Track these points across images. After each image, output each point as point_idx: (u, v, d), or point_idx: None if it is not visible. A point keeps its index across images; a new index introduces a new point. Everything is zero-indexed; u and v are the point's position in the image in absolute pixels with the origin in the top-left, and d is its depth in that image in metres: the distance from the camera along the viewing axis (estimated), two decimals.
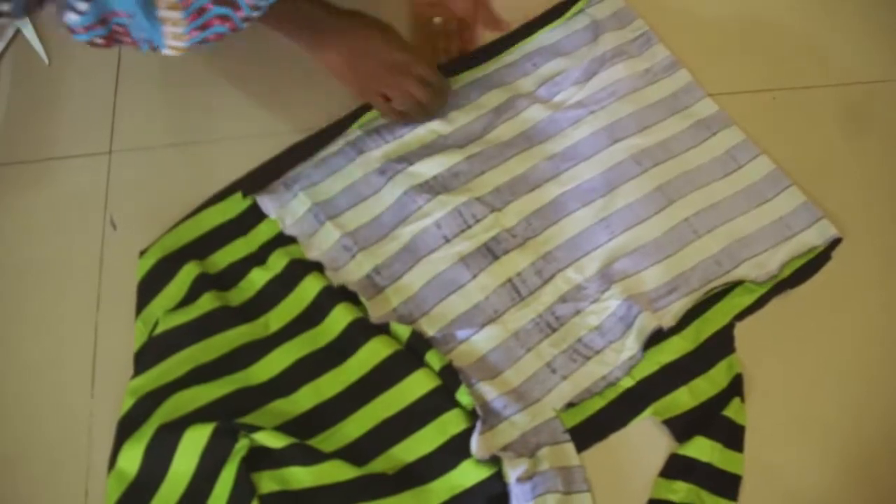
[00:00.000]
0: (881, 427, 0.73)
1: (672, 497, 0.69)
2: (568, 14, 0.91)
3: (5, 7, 0.55)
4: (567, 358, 0.73)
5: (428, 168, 0.80)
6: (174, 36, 0.57)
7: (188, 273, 0.75)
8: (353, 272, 0.76)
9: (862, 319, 0.78)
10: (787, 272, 0.78)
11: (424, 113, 0.81)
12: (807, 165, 0.84)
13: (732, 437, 0.71)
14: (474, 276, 0.76)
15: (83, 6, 0.53)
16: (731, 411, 0.71)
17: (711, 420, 0.71)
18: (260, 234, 0.78)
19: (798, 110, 0.88)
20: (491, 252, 0.77)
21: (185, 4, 0.55)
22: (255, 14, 0.58)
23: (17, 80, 0.88)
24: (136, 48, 0.59)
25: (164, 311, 0.73)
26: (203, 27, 0.57)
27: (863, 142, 0.87)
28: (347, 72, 0.77)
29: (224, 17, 0.57)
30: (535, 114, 0.85)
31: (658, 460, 0.71)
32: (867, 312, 0.78)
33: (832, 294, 0.78)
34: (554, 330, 0.75)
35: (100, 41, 0.58)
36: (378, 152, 0.82)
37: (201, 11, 0.56)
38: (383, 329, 0.73)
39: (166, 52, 0.59)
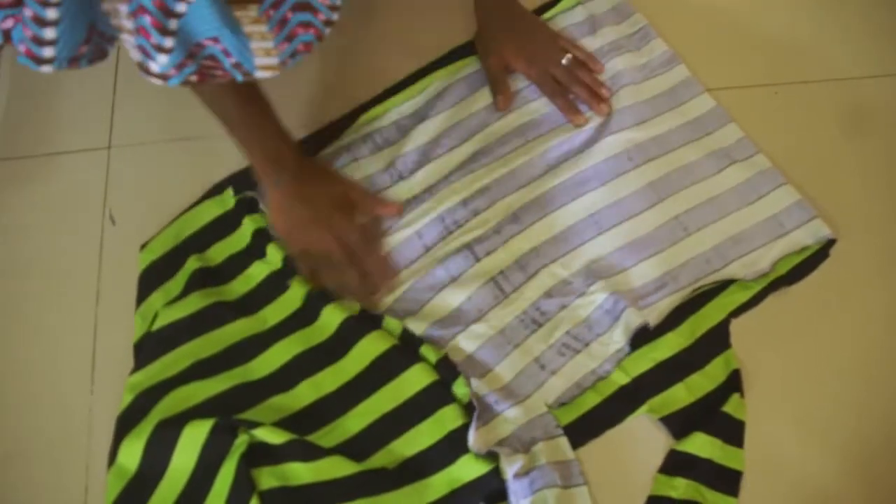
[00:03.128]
0: (881, 422, 0.73)
1: (672, 493, 0.69)
2: (559, 7, 0.91)
3: (47, 52, 0.53)
4: (555, 353, 0.73)
5: (422, 178, 0.80)
6: (264, 52, 0.55)
7: (188, 268, 0.75)
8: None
9: (860, 316, 0.77)
10: (782, 269, 0.77)
11: (336, 274, 0.74)
12: (807, 161, 0.84)
13: (732, 432, 0.71)
14: (454, 280, 0.76)
15: (169, 42, 0.51)
16: (731, 407, 0.71)
17: (710, 416, 0.71)
18: (252, 223, 0.78)
19: (800, 105, 0.88)
20: (473, 254, 0.77)
21: (268, 16, 0.53)
22: (334, 15, 0.56)
23: (16, 76, 0.88)
24: (229, 79, 0.57)
25: (163, 305, 0.73)
26: (289, 38, 0.55)
27: (864, 137, 0.87)
28: (277, 215, 0.75)
29: (306, 24, 0.56)
30: (530, 109, 0.85)
31: (657, 457, 0.70)
32: (865, 309, 0.78)
33: (830, 291, 0.78)
34: (540, 325, 0.74)
35: (194, 78, 0.56)
36: (371, 157, 0.82)
37: (283, 21, 0.54)
38: (377, 323, 0.73)
39: (259, 74, 0.56)
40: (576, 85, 0.84)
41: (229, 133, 0.72)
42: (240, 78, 0.57)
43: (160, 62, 0.53)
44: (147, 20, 0.50)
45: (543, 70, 0.84)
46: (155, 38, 0.51)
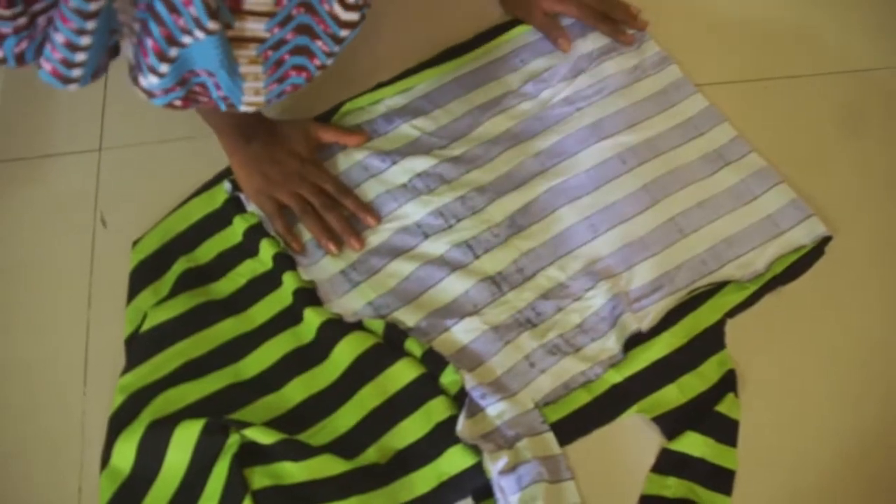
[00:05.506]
0: (876, 421, 0.73)
1: (665, 492, 0.68)
2: None
3: (76, 73, 0.53)
4: (546, 352, 0.73)
5: (412, 166, 0.80)
6: (254, 91, 0.56)
7: (176, 269, 0.76)
8: (326, 268, 0.77)
9: (856, 313, 0.77)
10: (778, 269, 0.77)
11: (317, 220, 0.77)
12: (797, 155, 0.83)
13: (726, 431, 0.70)
14: (453, 271, 0.76)
15: (164, 68, 0.52)
16: (725, 406, 0.71)
17: (703, 415, 0.71)
18: (243, 222, 0.78)
19: (789, 99, 0.88)
20: (471, 250, 0.77)
21: (265, 58, 0.54)
22: (330, 61, 0.57)
23: (7, 79, 0.88)
24: (213, 107, 0.58)
25: (151, 306, 0.74)
26: (280, 79, 0.56)
27: (854, 131, 0.86)
28: (245, 176, 0.77)
29: (300, 68, 0.57)
30: (521, 111, 0.85)
31: (649, 455, 0.70)
32: (861, 306, 0.77)
33: (825, 288, 0.77)
34: (534, 325, 0.75)
35: (178, 103, 0.57)
36: (360, 147, 0.82)
37: (279, 63, 0.55)
38: (357, 326, 0.73)
39: (243, 108, 0.58)
40: (613, 8, 0.88)
41: (202, 114, 0.73)
42: (223, 108, 0.58)
43: (149, 81, 0.53)
44: (149, 43, 0.50)
45: (579, 3, 0.87)
46: (151, 59, 0.51)
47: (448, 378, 0.70)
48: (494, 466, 0.66)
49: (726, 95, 0.86)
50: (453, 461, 0.67)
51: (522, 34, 0.89)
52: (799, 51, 0.91)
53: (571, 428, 0.71)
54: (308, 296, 0.74)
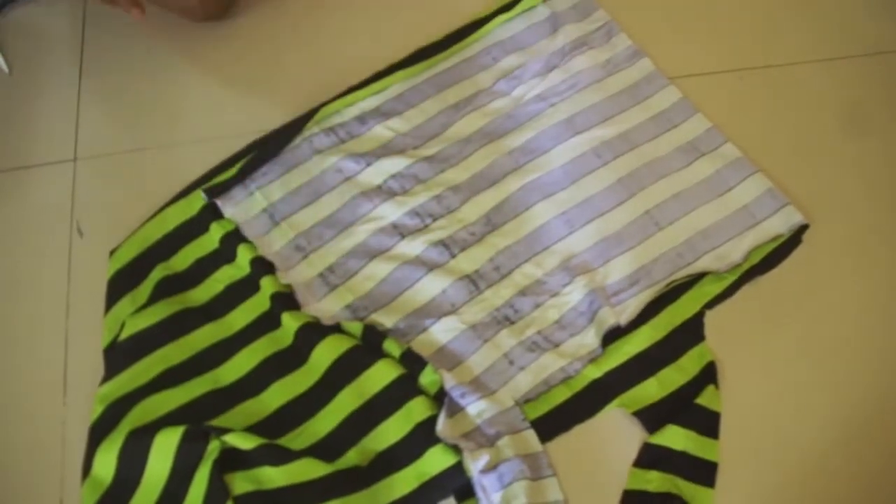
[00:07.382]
0: (857, 408, 0.73)
1: (648, 487, 0.68)
2: (520, 6, 0.90)
3: None
4: (524, 349, 0.73)
5: (386, 167, 0.80)
6: None
7: (154, 277, 0.75)
8: (305, 272, 0.77)
9: (834, 300, 0.77)
10: (755, 259, 0.77)
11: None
12: (774, 145, 0.84)
13: (707, 424, 0.71)
14: (430, 271, 0.76)
15: None
16: (705, 399, 0.71)
17: (683, 409, 0.71)
18: (220, 228, 0.78)
19: (764, 90, 0.88)
20: (448, 250, 0.77)
21: None
22: None
23: None
24: None
25: (130, 314, 0.73)
26: None
27: (830, 119, 0.86)
28: None
29: None
30: (494, 109, 0.85)
31: (631, 450, 0.70)
32: (839, 293, 0.78)
33: (803, 276, 0.78)
34: (512, 322, 0.74)
35: None
36: (334, 150, 0.82)
37: None
38: (335, 329, 0.73)
39: None
40: None
41: None
42: None
43: None
44: None
45: None
46: None
47: (427, 378, 0.70)
48: (475, 465, 0.66)
49: (700, 87, 0.87)
50: (434, 461, 0.67)
51: (493, 32, 0.89)
52: (770, 41, 0.91)
53: (552, 425, 0.71)
54: (286, 300, 0.74)
